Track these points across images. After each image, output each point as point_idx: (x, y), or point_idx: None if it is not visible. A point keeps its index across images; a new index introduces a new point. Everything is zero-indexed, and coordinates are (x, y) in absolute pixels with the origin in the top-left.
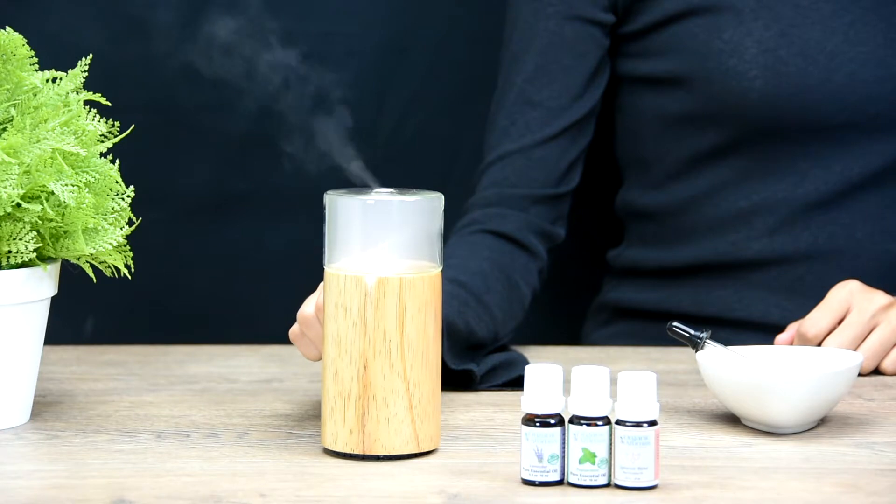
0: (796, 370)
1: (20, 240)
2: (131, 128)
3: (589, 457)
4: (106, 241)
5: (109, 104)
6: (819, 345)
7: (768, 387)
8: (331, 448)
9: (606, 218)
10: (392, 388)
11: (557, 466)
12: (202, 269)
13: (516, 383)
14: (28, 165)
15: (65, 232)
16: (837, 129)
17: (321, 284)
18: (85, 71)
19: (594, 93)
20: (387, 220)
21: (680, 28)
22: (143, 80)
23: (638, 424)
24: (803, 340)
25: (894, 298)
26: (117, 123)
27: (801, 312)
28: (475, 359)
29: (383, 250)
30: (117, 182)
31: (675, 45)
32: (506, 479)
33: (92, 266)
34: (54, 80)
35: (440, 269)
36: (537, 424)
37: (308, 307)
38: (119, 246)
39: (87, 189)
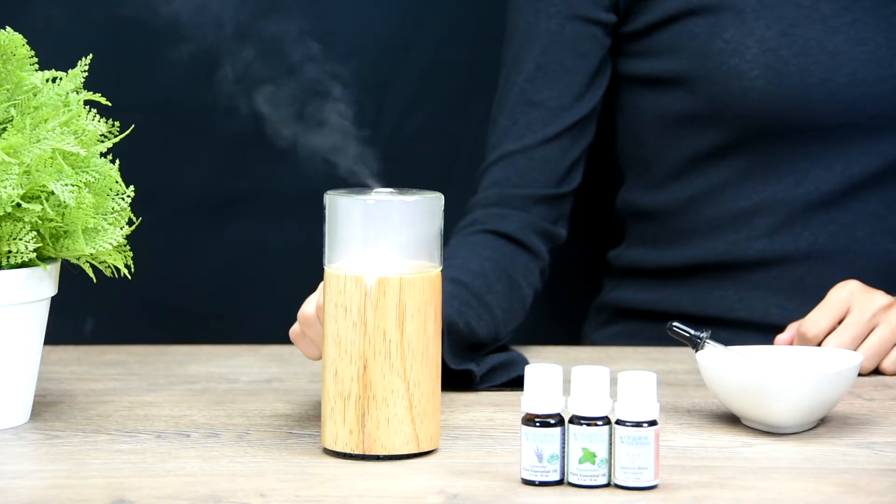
0: (796, 370)
1: (20, 240)
2: (131, 128)
3: (589, 457)
4: (106, 241)
5: (109, 104)
6: (819, 345)
7: (768, 387)
8: (331, 448)
9: (607, 218)
10: (392, 388)
11: (557, 466)
12: (202, 269)
13: (516, 383)
14: (28, 165)
15: (65, 232)
16: (838, 128)
17: (321, 284)
18: (85, 71)
19: (595, 93)
20: (387, 220)
21: (681, 28)
22: (143, 80)
23: (638, 424)
24: (803, 340)
25: (894, 298)
26: (117, 123)
27: (802, 312)
28: (475, 359)
29: (383, 250)
30: (117, 182)
31: (676, 44)
32: (506, 479)
33: (92, 266)
34: (54, 80)
35: (440, 268)
36: (537, 424)
37: (309, 307)
38: (119, 246)
39: (87, 189)
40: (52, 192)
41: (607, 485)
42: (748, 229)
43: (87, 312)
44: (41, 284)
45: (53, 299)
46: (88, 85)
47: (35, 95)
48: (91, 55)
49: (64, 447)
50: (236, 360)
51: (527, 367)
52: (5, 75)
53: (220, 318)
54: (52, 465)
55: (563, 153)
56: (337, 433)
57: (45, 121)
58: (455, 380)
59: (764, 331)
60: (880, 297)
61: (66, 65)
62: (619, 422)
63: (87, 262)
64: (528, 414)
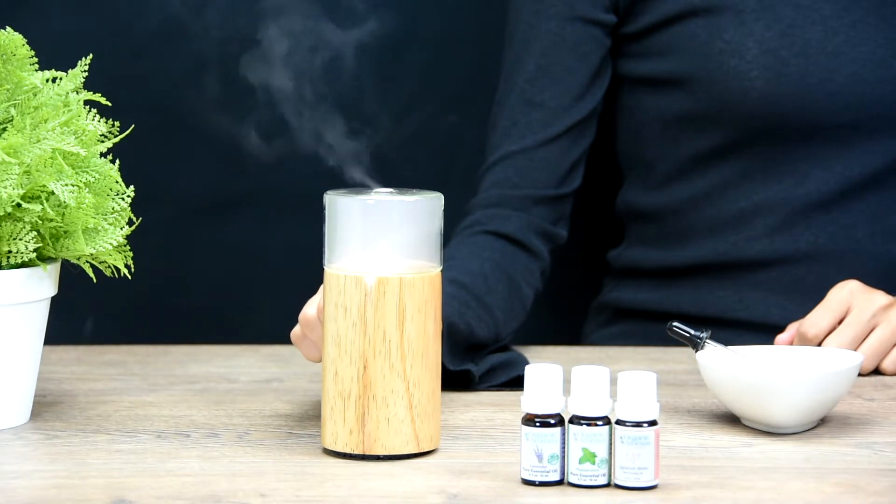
0: (796, 370)
1: (20, 240)
2: (131, 128)
3: (589, 457)
4: (106, 241)
5: (109, 104)
6: (819, 345)
7: (768, 387)
8: (331, 448)
9: (607, 218)
10: (392, 387)
11: (557, 466)
12: (202, 269)
13: (515, 383)
14: (28, 165)
15: (65, 232)
16: (838, 129)
17: (322, 286)
18: (85, 71)
19: (596, 93)
20: (387, 220)
21: (681, 28)
22: (143, 80)
23: (638, 424)
24: (803, 340)
25: (894, 298)
26: (117, 123)
27: (802, 313)
28: (475, 360)
29: (383, 250)
30: (117, 182)
31: (676, 45)
32: (506, 479)
33: (92, 266)
34: (54, 80)
35: (440, 269)
36: (537, 424)
37: (310, 309)
38: (119, 246)
39: (87, 189)
40: (52, 192)
41: (607, 485)
42: (748, 230)
43: (87, 312)
44: (41, 284)
45: (53, 299)
46: (88, 85)
47: (35, 95)
48: (91, 55)
49: (64, 447)
50: (236, 360)
51: (527, 367)
52: (5, 75)
53: (220, 318)
54: (52, 465)
55: (564, 154)
56: (337, 433)
57: (45, 121)
58: (454, 380)
59: (764, 331)
60: (880, 297)
61: (66, 65)
62: (619, 422)
63: (87, 262)
64: (528, 414)
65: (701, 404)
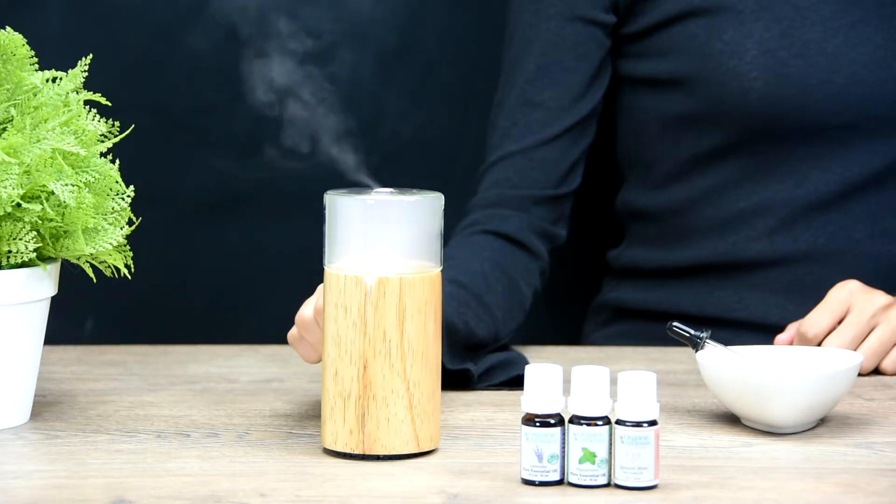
0: (796, 370)
1: (20, 240)
2: (131, 128)
3: (589, 457)
4: (106, 241)
5: (109, 104)
6: (819, 345)
7: (768, 387)
8: (331, 448)
9: (606, 218)
10: (392, 387)
11: (557, 466)
12: (202, 270)
13: (515, 383)
14: (28, 165)
15: (65, 232)
16: (837, 130)
17: (320, 287)
18: (85, 71)
19: (596, 93)
20: (387, 220)
21: (680, 29)
22: (143, 80)
23: (638, 424)
24: (803, 340)
25: (894, 298)
26: (117, 123)
27: (802, 313)
28: (474, 359)
29: (383, 250)
30: (117, 182)
31: (676, 46)
32: (506, 479)
33: (92, 266)
34: (54, 80)
35: (440, 269)
36: (537, 424)
37: (307, 310)
38: (119, 246)
39: (87, 189)
40: (52, 192)
41: (607, 485)
42: (748, 230)
43: (87, 312)
44: (41, 284)
45: (53, 299)
46: (88, 85)
47: (35, 95)
48: (91, 55)
49: (64, 447)
50: (236, 360)
51: (527, 367)
52: (5, 75)
53: (220, 318)
54: (52, 465)
55: (563, 154)
56: (337, 433)
57: (45, 121)
58: (453, 379)
59: (764, 331)
60: (880, 297)
61: (66, 65)
62: (619, 422)
63: (87, 262)
64: (528, 414)
65: (701, 404)
